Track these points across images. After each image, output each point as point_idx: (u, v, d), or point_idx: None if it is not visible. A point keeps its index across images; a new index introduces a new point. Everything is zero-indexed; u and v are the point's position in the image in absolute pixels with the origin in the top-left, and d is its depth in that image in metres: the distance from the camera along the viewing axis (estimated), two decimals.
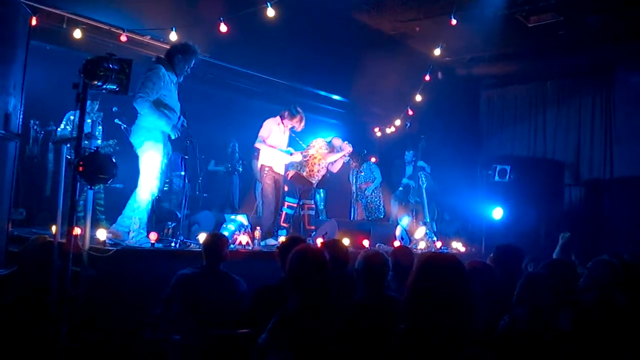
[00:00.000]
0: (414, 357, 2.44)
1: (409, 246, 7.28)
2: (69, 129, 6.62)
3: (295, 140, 7.37)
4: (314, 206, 7.66)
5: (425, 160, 9.34)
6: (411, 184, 9.10)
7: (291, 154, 7.04)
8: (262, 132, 6.85)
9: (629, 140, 8.84)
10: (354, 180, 9.42)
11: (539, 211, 9.11)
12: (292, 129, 7.05)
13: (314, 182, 7.35)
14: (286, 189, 7.26)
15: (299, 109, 6.94)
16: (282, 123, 6.94)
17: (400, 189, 9.40)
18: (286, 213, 7.13)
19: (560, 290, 3.29)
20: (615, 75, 9.07)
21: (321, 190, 9.79)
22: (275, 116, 6.98)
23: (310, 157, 7.27)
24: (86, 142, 3.72)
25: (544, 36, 8.41)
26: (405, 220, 8.66)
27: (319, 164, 7.28)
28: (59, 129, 6.66)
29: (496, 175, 8.89)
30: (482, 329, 2.82)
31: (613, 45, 8.58)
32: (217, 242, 4.07)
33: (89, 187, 3.81)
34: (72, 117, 6.70)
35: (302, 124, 7.00)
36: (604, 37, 8.34)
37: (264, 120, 6.95)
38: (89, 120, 5.24)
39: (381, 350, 2.53)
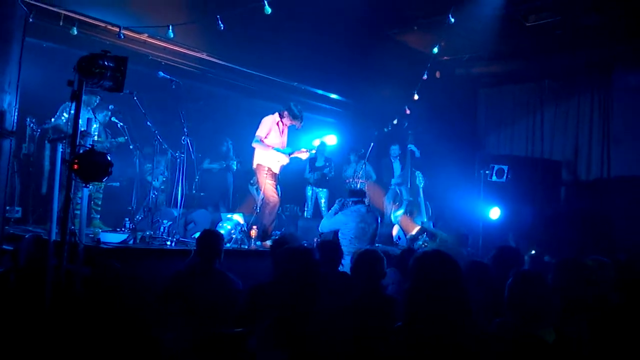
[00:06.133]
0: (410, 354, 2.43)
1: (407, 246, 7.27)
2: (65, 118, 6.55)
3: (294, 139, 7.29)
4: None
5: (418, 153, 9.34)
6: (403, 184, 9.11)
7: (290, 154, 6.86)
8: (260, 131, 6.66)
9: (627, 140, 8.80)
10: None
11: (536, 211, 9.07)
12: (289, 127, 6.92)
13: None
14: None
15: (300, 110, 6.80)
16: (282, 122, 6.80)
17: (392, 188, 9.39)
18: None
19: (569, 294, 3.19)
20: (613, 75, 9.06)
21: (325, 189, 9.76)
22: (273, 113, 6.82)
23: None
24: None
25: (541, 35, 8.40)
26: (399, 213, 8.66)
27: None
28: (52, 118, 6.58)
29: (494, 174, 8.84)
30: (480, 328, 2.78)
31: (611, 45, 8.56)
32: (212, 237, 4.07)
33: (84, 185, 3.80)
34: (68, 109, 6.61)
35: (301, 124, 6.91)
36: (602, 36, 8.32)
37: (261, 119, 6.80)
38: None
39: (377, 350, 2.52)
